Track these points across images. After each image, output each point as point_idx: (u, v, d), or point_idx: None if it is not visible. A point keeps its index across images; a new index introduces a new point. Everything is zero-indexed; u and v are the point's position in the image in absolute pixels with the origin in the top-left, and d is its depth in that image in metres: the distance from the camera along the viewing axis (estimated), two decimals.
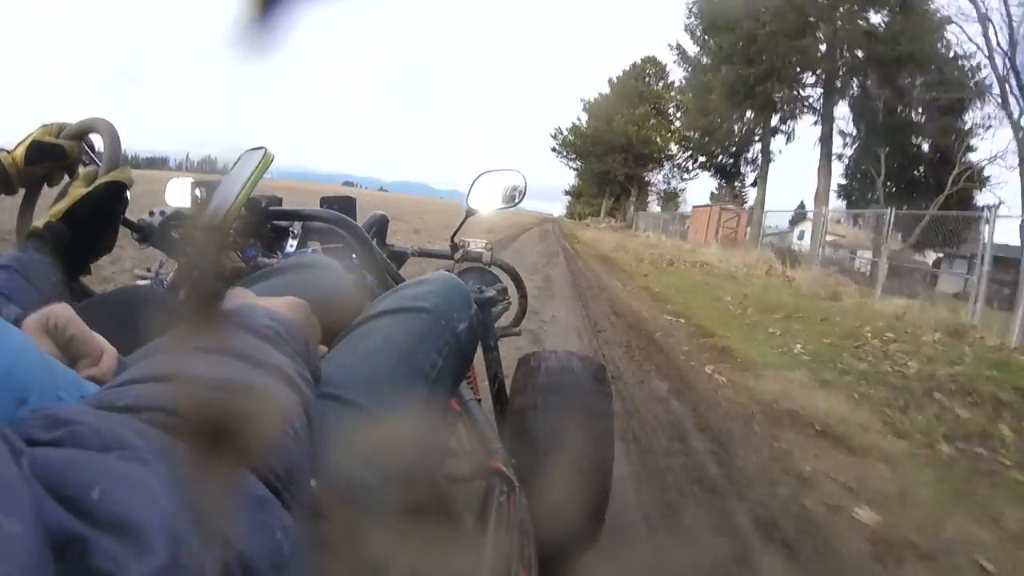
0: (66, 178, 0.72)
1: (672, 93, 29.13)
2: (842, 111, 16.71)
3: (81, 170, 0.70)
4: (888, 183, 15.20)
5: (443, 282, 0.65)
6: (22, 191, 0.72)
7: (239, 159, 0.83)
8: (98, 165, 0.69)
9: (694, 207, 22.56)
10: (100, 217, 0.65)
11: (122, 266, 3.07)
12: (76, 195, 0.64)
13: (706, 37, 18.08)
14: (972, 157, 13.64)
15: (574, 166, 34.96)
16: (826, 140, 16.45)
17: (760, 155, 19.85)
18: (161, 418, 0.27)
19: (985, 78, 13.63)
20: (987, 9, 12.38)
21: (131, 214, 0.78)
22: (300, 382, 0.37)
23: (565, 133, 33.76)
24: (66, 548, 0.18)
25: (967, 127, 14.29)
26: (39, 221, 0.64)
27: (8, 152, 0.69)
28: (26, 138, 0.70)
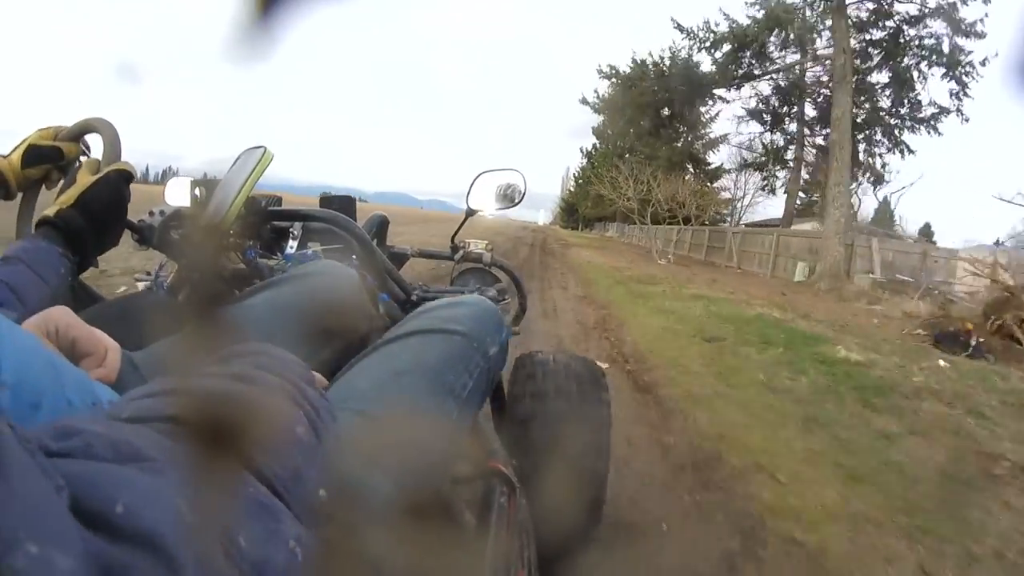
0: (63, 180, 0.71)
1: None
2: None
3: (83, 159, 0.69)
4: None
5: (477, 306, 0.67)
6: (19, 196, 0.71)
7: (238, 158, 0.82)
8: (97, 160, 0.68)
9: None
10: (111, 204, 0.64)
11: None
12: (86, 181, 0.63)
13: None
14: None
15: None
16: None
17: None
18: (166, 428, 0.28)
19: None
20: None
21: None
22: (302, 400, 0.38)
23: None
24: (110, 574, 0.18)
25: None
26: (48, 210, 0.62)
27: (4, 157, 0.68)
28: (22, 142, 0.69)
